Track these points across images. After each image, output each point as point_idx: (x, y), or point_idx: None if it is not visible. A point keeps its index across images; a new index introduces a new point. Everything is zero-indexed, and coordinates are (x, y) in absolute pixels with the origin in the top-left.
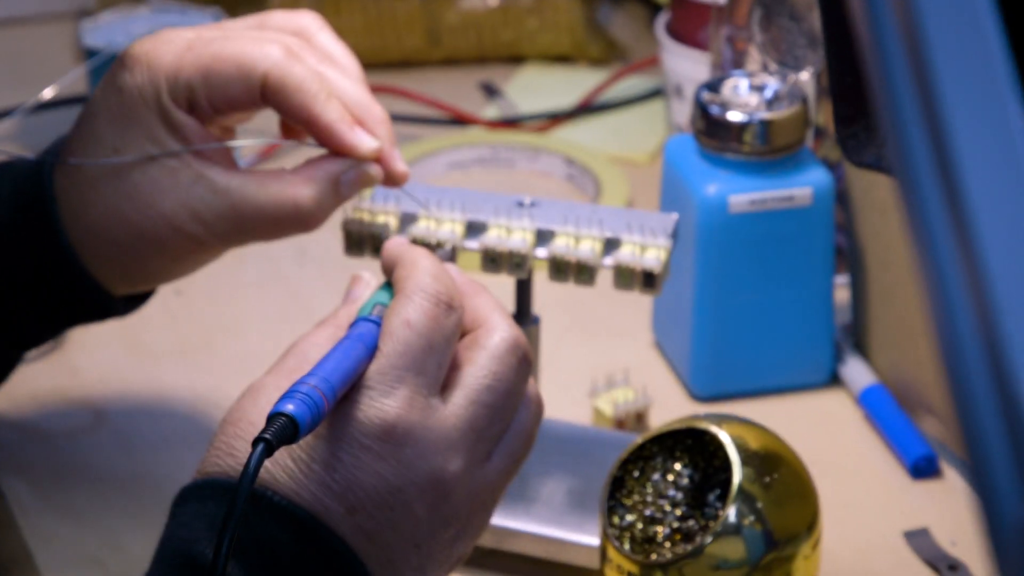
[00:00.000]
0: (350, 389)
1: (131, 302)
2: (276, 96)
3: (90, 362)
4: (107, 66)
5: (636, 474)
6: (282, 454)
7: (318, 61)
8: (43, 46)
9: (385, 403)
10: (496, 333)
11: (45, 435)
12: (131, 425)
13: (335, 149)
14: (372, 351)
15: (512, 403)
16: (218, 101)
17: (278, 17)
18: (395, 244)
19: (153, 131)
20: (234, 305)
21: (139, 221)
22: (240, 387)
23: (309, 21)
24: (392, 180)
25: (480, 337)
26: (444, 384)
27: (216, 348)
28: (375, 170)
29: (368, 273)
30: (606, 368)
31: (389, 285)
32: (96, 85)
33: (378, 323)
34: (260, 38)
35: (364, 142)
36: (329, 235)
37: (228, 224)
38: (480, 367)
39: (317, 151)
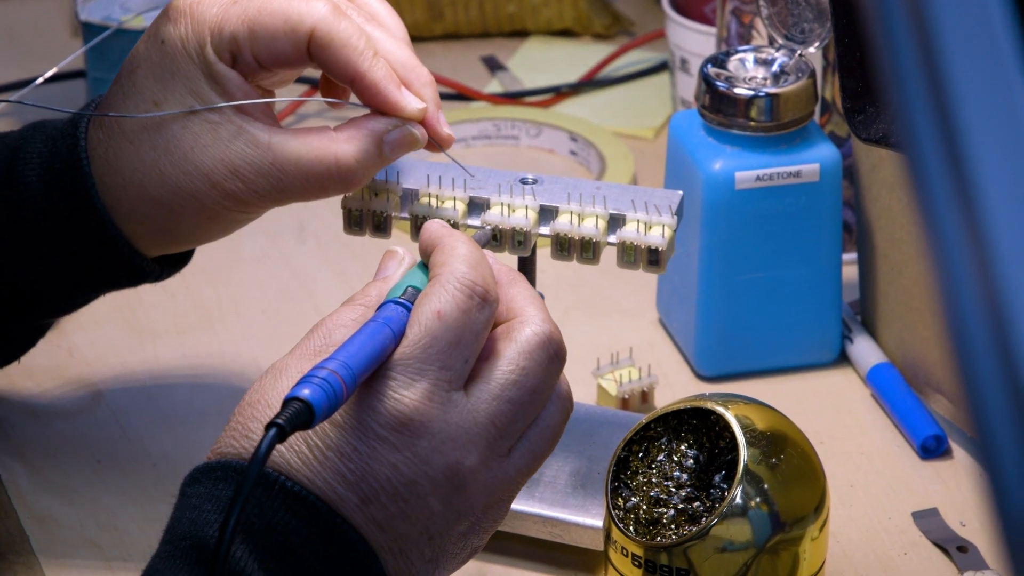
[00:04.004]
0: (372, 376)
1: (166, 269)
2: (323, 52)
3: (87, 341)
4: (107, 42)
5: (641, 455)
6: (297, 439)
7: (364, 20)
8: (39, 20)
9: (404, 394)
10: (528, 327)
11: (42, 415)
12: (129, 405)
13: (380, 108)
14: (399, 337)
15: (538, 400)
16: (263, 55)
17: None
18: (435, 226)
19: (195, 84)
20: (233, 283)
21: (176, 176)
22: (240, 366)
23: None
24: (436, 143)
25: (512, 329)
26: (470, 376)
27: (215, 327)
28: (419, 132)
29: (402, 248)
30: (610, 346)
31: (424, 265)
32: (93, 61)
33: (408, 307)
34: None
35: (410, 103)
36: (329, 212)
37: (268, 181)
38: (508, 361)
39: (361, 110)
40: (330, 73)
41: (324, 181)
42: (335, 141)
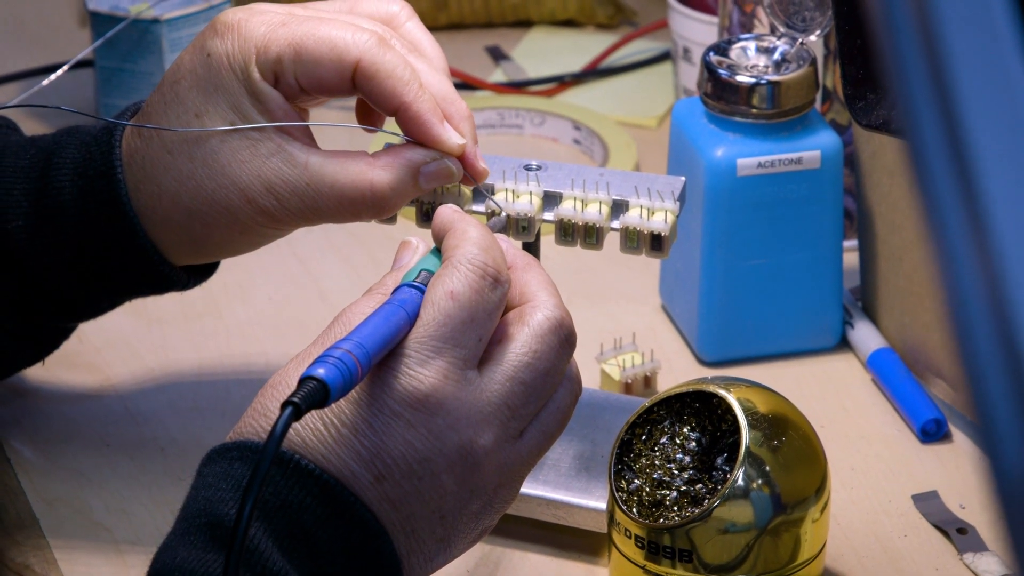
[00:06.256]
0: (387, 355)
1: (193, 278)
2: (368, 82)
3: (96, 327)
4: (118, 34)
5: (644, 437)
6: (312, 417)
7: (407, 51)
8: (47, 9)
9: (420, 372)
10: (540, 311)
11: (51, 400)
12: (137, 391)
13: (421, 140)
14: (413, 318)
15: (550, 382)
16: (305, 79)
17: (368, 2)
18: (447, 211)
19: (237, 100)
20: (240, 270)
21: (212, 189)
22: (246, 351)
23: (399, 9)
24: (471, 178)
25: (525, 313)
26: (483, 358)
27: (222, 313)
28: (456, 166)
29: (416, 238)
30: (613, 332)
31: (438, 250)
32: (101, 51)
33: (422, 290)
34: (354, 24)
35: (451, 137)
36: None
37: (302, 201)
38: (521, 344)
39: (397, 138)
40: (374, 103)
41: (357, 206)
42: (372, 167)
